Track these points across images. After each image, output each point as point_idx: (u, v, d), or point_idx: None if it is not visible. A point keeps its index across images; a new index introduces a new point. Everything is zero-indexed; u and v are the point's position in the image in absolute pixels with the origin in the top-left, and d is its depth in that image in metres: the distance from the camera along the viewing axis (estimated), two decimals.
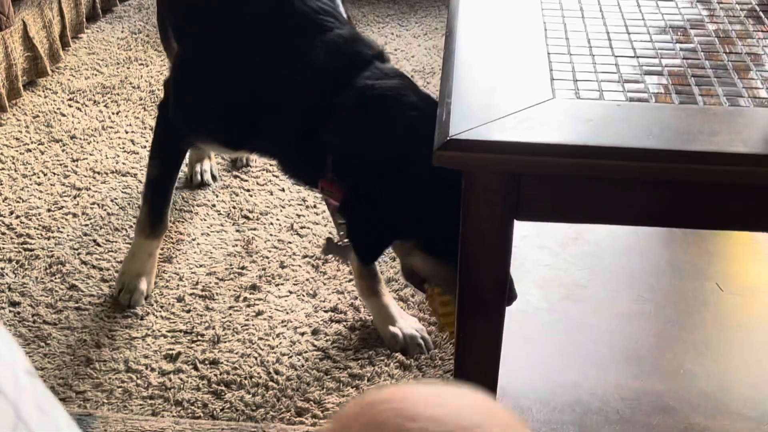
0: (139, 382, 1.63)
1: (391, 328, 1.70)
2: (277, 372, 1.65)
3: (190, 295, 1.85)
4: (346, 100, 1.43)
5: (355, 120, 1.43)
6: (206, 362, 1.67)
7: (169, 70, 1.76)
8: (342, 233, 1.56)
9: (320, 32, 1.50)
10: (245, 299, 1.84)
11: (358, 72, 1.45)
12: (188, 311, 1.80)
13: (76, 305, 1.81)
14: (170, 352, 1.69)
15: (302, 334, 1.74)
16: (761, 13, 1.36)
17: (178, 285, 1.87)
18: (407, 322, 1.71)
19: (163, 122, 1.78)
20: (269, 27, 1.55)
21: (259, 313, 1.79)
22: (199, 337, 1.73)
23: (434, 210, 1.36)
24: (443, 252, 1.39)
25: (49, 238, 2.01)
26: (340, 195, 1.47)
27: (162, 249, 1.97)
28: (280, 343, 1.72)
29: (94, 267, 1.92)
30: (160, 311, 1.80)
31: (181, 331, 1.75)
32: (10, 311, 1.79)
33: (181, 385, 1.62)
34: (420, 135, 1.30)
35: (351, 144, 1.43)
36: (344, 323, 1.77)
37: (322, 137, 1.45)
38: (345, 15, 1.64)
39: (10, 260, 1.93)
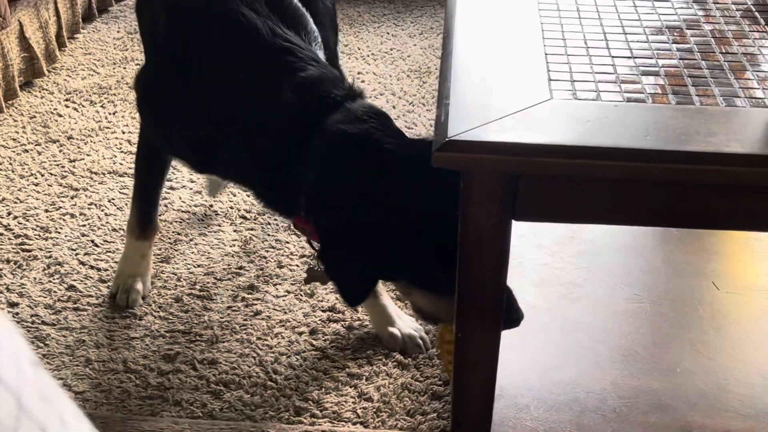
0: (137, 382, 1.63)
1: (390, 329, 1.70)
2: (275, 372, 1.65)
3: (188, 295, 1.85)
4: (317, 144, 1.41)
5: (327, 164, 1.40)
6: (205, 362, 1.67)
7: (138, 72, 1.73)
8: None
9: (289, 71, 1.47)
10: (243, 299, 1.84)
11: (327, 114, 1.42)
12: (186, 311, 1.81)
13: (75, 306, 1.82)
14: (169, 352, 1.70)
15: (300, 333, 1.75)
16: (757, 13, 1.36)
17: (176, 285, 1.88)
18: (405, 322, 1.72)
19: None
20: (238, 58, 1.52)
21: (257, 313, 1.80)
22: (198, 337, 1.74)
23: (417, 246, 1.34)
24: (438, 284, 1.39)
25: (47, 239, 2.01)
26: (314, 234, 1.46)
27: (160, 249, 1.97)
28: (279, 342, 1.72)
29: (92, 267, 1.93)
30: (158, 311, 1.80)
31: (179, 331, 1.75)
32: (8, 312, 1.79)
33: (180, 386, 1.62)
34: (393, 175, 1.32)
35: (323, 188, 1.40)
36: (342, 323, 1.77)
37: (293, 178, 1.43)
38: (331, 43, 1.62)
39: (8, 261, 1.94)
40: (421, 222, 1.30)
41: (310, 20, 1.67)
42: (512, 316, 1.37)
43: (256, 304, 1.82)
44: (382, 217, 1.34)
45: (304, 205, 1.43)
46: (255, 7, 1.55)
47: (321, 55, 1.60)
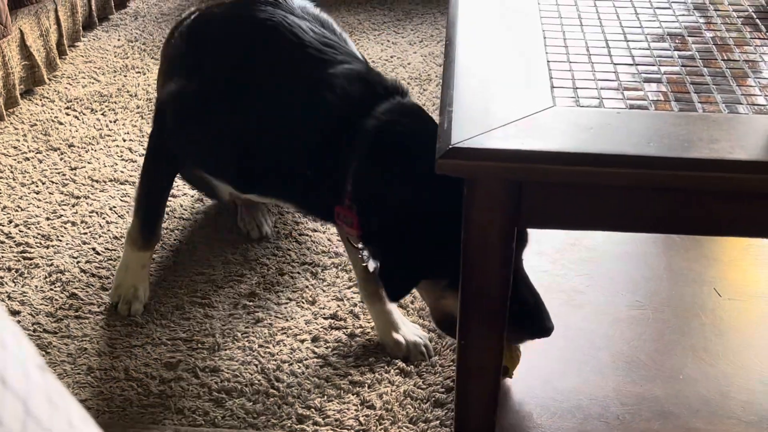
0: (139, 390, 1.63)
1: (395, 335, 1.70)
2: (277, 379, 1.65)
3: (189, 303, 1.85)
4: (370, 131, 1.41)
5: (381, 152, 1.41)
6: (206, 370, 1.67)
7: (164, 93, 1.73)
8: (365, 255, 1.53)
9: (335, 63, 1.50)
10: (244, 306, 1.84)
11: (378, 103, 1.43)
12: (188, 319, 1.80)
13: (76, 314, 1.82)
14: (170, 360, 1.70)
15: (302, 341, 1.74)
16: (758, 20, 1.37)
17: (177, 293, 1.88)
18: (410, 329, 1.72)
19: (158, 140, 1.77)
20: (282, 60, 1.55)
21: (258, 321, 1.80)
22: (199, 345, 1.73)
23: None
24: None
25: (48, 247, 2.01)
26: (356, 222, 1.45)
27: (161, 257, 1.97)
28: (280, 350, 1.72)
29: (93, 275, 1.92)
30: (159, 319, 1.80)
31: (180, 339, 1.75)
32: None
33: (182, 393, 1.62)
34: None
35: (375, 175, 1.41)
36: (344, 330, 1.77)
37: (340, 163, 1.43)
38: (359, 55, 1.64)
39: (9, 269, 1.93)
40: None
41: (335, 24, 1.70)
42: (544, 324, 1.37)
43: (257, 312, 1.82)
44: (436, 213, 1.32)
45: (351, 191, 1.42)
46: (286, 15, 1.57)
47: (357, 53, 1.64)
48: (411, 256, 1.39)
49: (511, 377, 1.53)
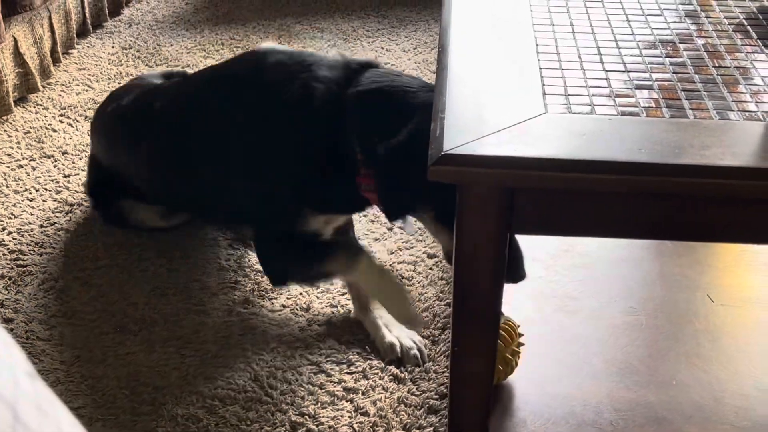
0: (132, 397, 1.63)
1: (389, 337, 1.71)
2: (271, 386, 1.65)
3: (183, 309, 1.85)
4: (357, 97, 1.56)
5: (371, 109, 1.56)
6: (200, 377, 1.67)
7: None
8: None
9: (306, 67, 1.66)
10: (238, 313, 1.84)
11: (358, 75, 1.60)
12: (181, 326, 1.80)
13: (69, 321, 1.81)
14: (164, 367, 1.69)
15: (296, 348, 1.74)
16: (749, 27, 1.37)
17: (171, 300, 1.87)
18: (404, 333, 1.73)
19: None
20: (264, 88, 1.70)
21: (252, 328, 1.80)
22: (193, 352, 1.73)
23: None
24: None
25: (41, 254, 2.01)
26: (377, 189, 1.57)
27: (155, 264, 1.97)
28: (274, 357, 1.72)
29: (86, 283, 1.92)
30: (152, 326, 1.80)
31: (174, 346, 1.75)
32: (3, 328, 1.79)
33: (175, 401, 1.62)
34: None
35: (373, 127, 1.54)
36: (338, 337, 1.77)
37: (346, 136, 1.57)
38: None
39: (2, 276, 1.93)
40: None
41: None
42: (517, 273, 1.49)
43: (251, 319, 1.82)
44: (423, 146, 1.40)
45: (362, 158, 1.55)
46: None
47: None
48: (406, 180, 1.47)
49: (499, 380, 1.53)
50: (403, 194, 1.51)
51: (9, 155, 2.38)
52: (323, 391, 1.64)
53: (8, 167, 2.33)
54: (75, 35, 2.97)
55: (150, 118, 1.93)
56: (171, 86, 2.01)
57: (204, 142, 1.79)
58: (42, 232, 2.08)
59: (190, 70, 2.76)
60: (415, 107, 1.49)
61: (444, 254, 1.66)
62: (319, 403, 1.61)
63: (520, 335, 1.57)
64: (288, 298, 1.87)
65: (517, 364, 1.54)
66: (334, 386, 1.65)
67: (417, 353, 1.70)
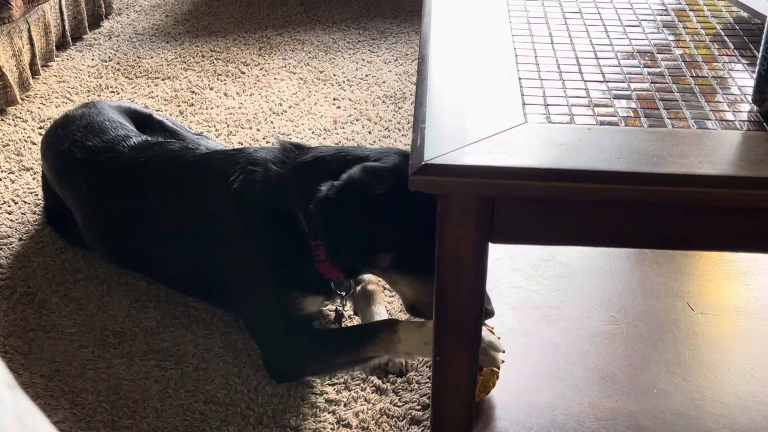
0: (112, 411, 1.61)
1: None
2: (252, 399, 1.64)
3: (164, 322, 1.84)
4: (296, 167, 1.62)
5: (309, 174, 1.58)
6: (181, 390, 1.66)
7: None
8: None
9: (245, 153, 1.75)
10: (219, 326, 1.83)
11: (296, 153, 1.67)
12: (162, 340, 1.79)
13: (49, 335, 1.80)
14: (145, 380, 1.68)
15: None
16: (726, 38, 1.39)
17: (151, 313, 1.86)
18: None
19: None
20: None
21: (233, 341, 1.79)
22: (174, 365, 1.72)
23: (398, 223, 1.45)
24: (420, 264, 1.48)
25: (20, 268, 1.99)
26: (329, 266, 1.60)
27: (135, 278, 1.96)
28: (256, 370, 1.71)
29: (66, 296, 1.91)
30: (133, 340, 1.79)
31: (155, 358, 1.74)
32: None
33: (156, 414, 1.60)
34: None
35: (311, 191, 1.52)
36: None
37: (292, 209, 1.60)
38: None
39: None
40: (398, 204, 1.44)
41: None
42: (486, 308, 1.44)
43: (232, 332, 1.81)
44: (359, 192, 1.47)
45: (306, 229, 1.58)
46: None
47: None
48: (353, 221, 1.48)
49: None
50: (348, 240, 1.50)
51: None
52: (305, 402, 1.63)
53: None
54: (54, 48, 2.96)
55: (106, 171, 1.91)
56: (131, 153, 1.92)
57: (161, 220, 1.81)
58: (21, 245, 2.06)
59: (164, 91, 2.76)
60: (350, 163, 1.53)
61: (405, 307, 1.59)
62: (301, 415, 1.60)
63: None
64: None
65: (494, 384, 1.53)
66: (316, 398, 1.64)
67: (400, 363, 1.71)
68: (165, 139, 2.02)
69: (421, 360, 1.72)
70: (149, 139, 1.97)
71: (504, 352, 1.53)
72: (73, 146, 1.96)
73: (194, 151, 1.84)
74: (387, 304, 1.84)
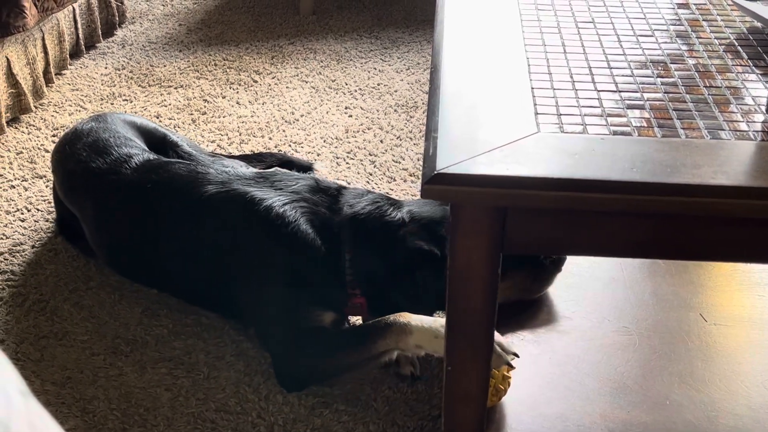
0: (123, 419, 1.61)
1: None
2: (263, 408, 1.64)
3: (176, 331, 1.84)
4: (352, 217, 1.72)
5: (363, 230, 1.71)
6: (192, 398, 1.66)
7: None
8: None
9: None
10: (231, 334, 1.83)
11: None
12: (173, 348, 1.79)
13: (60, 342, 1.80)
14: (156, 388, 1.68)
15: None
16: (739, 48, 1.38)
17: (163, 321, 1.87)
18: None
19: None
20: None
21: (245, 349, 1.79)
22: (186, 373, 1.72)
23: None
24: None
25: (33, 275, 2.00)
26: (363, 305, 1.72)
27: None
28: (267, 379, 1.71)
29: (77, 304, 1.91)
30: (145, 347, 1.79)
31: (166, 366, 1.74)
32: None
33: (167, 422, 1.60)
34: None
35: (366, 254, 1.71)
36: None
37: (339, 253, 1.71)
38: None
39: None
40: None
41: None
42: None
43: (243, 340, 1.81)
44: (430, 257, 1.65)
45: (351, 278, 1.70)
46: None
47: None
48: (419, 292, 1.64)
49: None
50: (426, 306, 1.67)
51: (1, 175, 2.38)
52: (315, 412, 1.63)
53: (0, 188, 2.32)
54: (68, 56, 2.98)
55: (111, 192, 1.90)
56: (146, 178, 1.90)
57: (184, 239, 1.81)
58: (34, 253, 2.07)
59: (176, 99, 2.77)
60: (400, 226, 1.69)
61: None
62: (312, 425, 1.60)
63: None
64: None
65: (506, 389, 1.52)
66: (327, 407, 1.64)
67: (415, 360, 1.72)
68: (171, 159, 1.98)
69: (432, 366, 1.72)
70: (152, 158, 1.94)
71: (517, 355, 1.53)
72: (78, 166, 1.95)
73: (213, 175, 1.82)
74: None
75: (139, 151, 1.96)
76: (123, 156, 1.93)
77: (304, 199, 1.73)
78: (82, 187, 1.95)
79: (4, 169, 2.41)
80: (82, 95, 2.83)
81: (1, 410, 0.46)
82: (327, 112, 2.74)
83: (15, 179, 2.36)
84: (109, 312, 1.89)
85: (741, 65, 1.33)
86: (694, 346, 1.66)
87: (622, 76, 1.29)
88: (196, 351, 1.78)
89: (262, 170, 1.98)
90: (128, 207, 1.87)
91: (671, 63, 1.34)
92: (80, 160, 1.95)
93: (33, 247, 2.09)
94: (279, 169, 2.19)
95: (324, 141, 2.57)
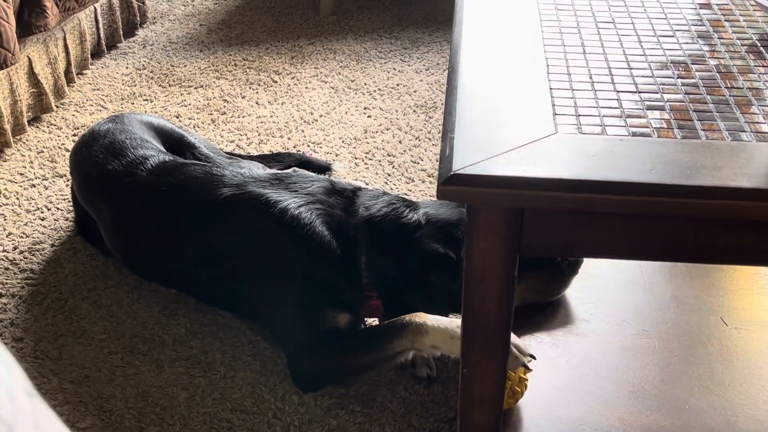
0: (140, 418, 1.62)
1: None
2: (279, 409, 1.64)
3: (193, 330, 1.84)
4: (369, 219, 1.72)
5: (378, 231, 1.72)
6: (209, 398, 1.66)
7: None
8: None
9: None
10: (247, 334, 1.83)
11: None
12: (191, 347, 1.80)
13: (78, 341, 1.81)
14: (173, 387, 1.69)
15: None
16: (762, 49, 1.36)
17: (180, 320, 1.87)
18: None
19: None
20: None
21: (262, 349, 1.79)
22: (203, 372, 1.72)
23: None
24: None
25: (52, 274, 2.01)
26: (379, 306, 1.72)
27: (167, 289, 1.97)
28: (283, 380, 1.71)
29: (96, 303, 1.92)
30: (162, 346, 1.79)
31: (183, 366, 1.74)
32: (12, 347, 1.79)
33: (183, 421, 1.61)
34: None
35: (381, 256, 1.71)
36: None
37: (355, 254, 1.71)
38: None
39: (13, 295, 1.93)
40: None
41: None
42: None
43: (260, 340, 1.81)
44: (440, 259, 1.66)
45: (367, 281, 1.70)
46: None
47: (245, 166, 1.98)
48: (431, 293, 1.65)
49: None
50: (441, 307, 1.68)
51: (22, 174, 2.39)
52: (331, 413, 1.63)
53: (21, 186, 2.34)
54: (89, 55, 2.99)
55: (126, 195, 1.90)
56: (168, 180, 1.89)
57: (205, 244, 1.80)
58: (53, 252, 2.08)
59: (196, 99, 2.77)
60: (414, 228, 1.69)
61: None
62: (327, 426, 1.60)
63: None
64: None
65: (522, 392, 1.51)
66: (342, 408, 1.64)
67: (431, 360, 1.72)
68: (187, 161, 1.97)
69: (448, 368, 1.71)
70: (167, 160, 1.93)
71: (534, 357, 1.51)
72: (94, 168, 1.95)
73: (228, 178, 1.82)
74: None
75: (155, 153, 1.96)
76: (139, 158, 1.93)
77: (320, 201, 1.72)
78: (99, 189, 1.95)
79: (25, 168, 2.42)
80: (102, 95, 2.85)
81: (6, 410, 0.45)
82: (346, 113, 2.74)
83: (36, 178, 2.38)
84: (126, 311, 1.89)
85: (763, 66, 1.31)
86: (715, 350, 1.65)
87: (642, 76, 1.28)
88: (212, 350, 1.78)
89: (277, 172, 1.97)
90: (144, 209, 1.87)
91: (692, 64, 1.32)
92: (97, 162, 1.96)
93: (52, 245, 2.10)
94: (297, 169, 2.19)
95: (342, 141, 2.57)
